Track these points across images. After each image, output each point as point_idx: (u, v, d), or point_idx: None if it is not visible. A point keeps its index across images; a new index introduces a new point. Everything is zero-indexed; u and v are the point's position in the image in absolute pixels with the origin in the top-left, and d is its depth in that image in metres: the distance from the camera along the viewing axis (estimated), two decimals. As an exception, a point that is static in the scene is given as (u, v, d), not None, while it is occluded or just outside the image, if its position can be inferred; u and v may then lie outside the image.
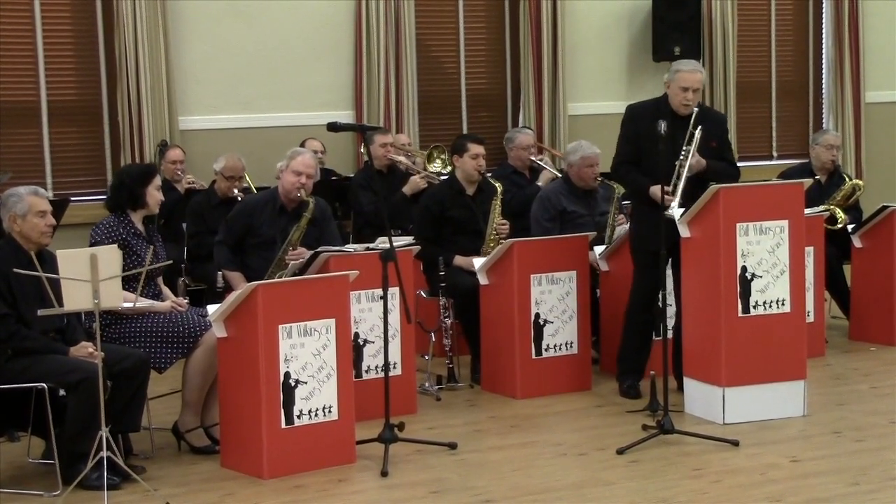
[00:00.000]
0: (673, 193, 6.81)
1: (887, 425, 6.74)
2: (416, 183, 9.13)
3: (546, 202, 8.18)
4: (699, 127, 6.89)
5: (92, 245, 6.24)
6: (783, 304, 6.80)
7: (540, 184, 9.21)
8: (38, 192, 6.09)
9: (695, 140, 6.89)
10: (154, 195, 6.54)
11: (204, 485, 5.95)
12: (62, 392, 5.80)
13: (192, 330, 6.35)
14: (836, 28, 12.45)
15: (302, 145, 8.93)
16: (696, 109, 6.97)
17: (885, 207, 8.60)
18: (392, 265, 6.14)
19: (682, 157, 6.87)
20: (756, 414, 6.75)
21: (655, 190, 6.90)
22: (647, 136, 7.06)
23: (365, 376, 6.98)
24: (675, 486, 5.79)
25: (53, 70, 9.74)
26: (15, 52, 9.63)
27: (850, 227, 8.84)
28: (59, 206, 7.47)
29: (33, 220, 5.97)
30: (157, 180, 6.61)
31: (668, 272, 6.96)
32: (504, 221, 7.99)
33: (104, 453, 5.62)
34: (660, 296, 7.35)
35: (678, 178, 6.85)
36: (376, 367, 6.99)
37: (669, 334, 7.01)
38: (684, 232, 6.84)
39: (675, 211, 6.75)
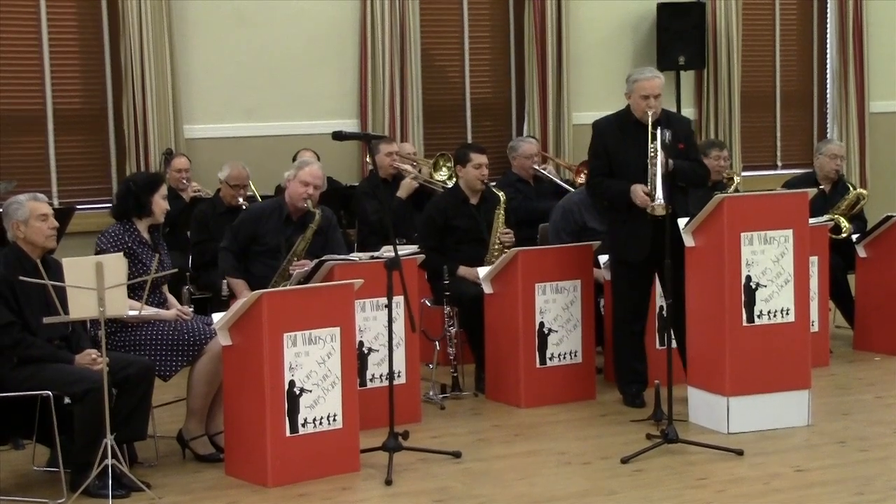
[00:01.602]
0: (652, 191, 6.80)
1: (892, 435, 6.74)
2: (409, 185, 9.14)
3: (569, 214, 8.13)
4: (659, 127, 6.89)
5: (98, 253, 6.25)
6: (787, 314, 6.80)
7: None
8: (38, 197, 6.10)
9: (658, 139, 6.86)
10: (160, 204, 6.55)
11: (208, 493, 5.96)
12: (67, 400, 5.81)
13: (197, 338, 6.35)
14: (841, 37, 12.45)
15: (295, 157, 8.94)
16: (650, 112, 6.96)
17: (889, 217, 8.59)
18: (397, 273, 6.15)
19: (651, 155, 6.86)
20: (760, 423, 6.75)
21: (636, 188, 6.91)
22: (615, 148, 7.11)
23: (369, 385, 6.99)
24: (679, 495, 5.79)
25: (59, 78, 9.75)
26: (21, 61, 9.64)
27: (854, 236, 8.84)
28: (64, 213, 7.47)
29: (36, 225, 5.98)
30: (164, 189, 6.62)
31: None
32: (508, 230, 7.99)
33: (109, 461, 5.63)
34: (648, 304, 7.43)
35: (653, 175, 6.83)
36: (381, 375, 6.99)
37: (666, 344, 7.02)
38: (688, 241, 6.85)
39: (658, 203, 6.73)
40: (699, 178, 7.30)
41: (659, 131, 6.88)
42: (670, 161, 6.83)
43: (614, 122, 7.27)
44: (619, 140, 7.10)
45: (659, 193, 6.76)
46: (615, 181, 7.12)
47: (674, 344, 6.95)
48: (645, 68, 7.41)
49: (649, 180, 6.86)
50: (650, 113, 6.94)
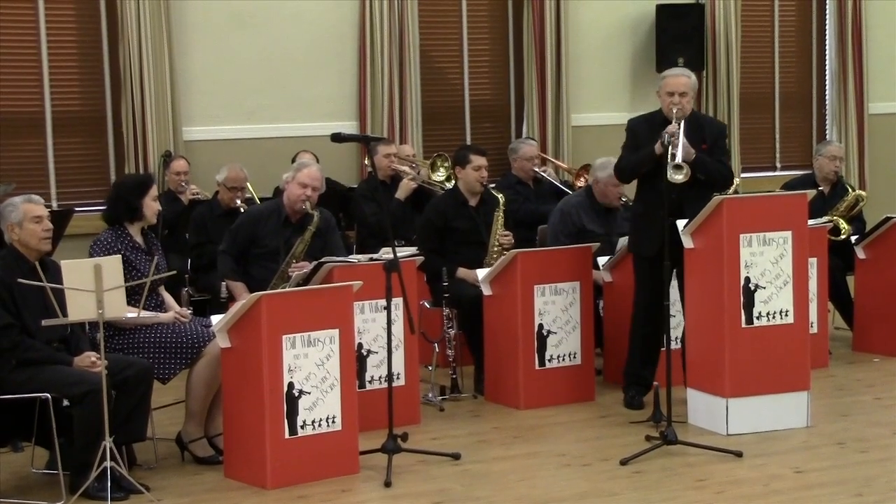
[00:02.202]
0: (672, 157, 6.75)
1: (891, 436, 6.74)
2: (407, 186, 9.14)
3: (567, 217, 8.13)
4: (682, 120, 6.89)
5: (92, 261, 6.24)
6: (786, 315, 6.80)
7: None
8: (33, 199, 6.09)
9: (681, 125, 6.84)
10: (151, 206, 6.52)
11: (207, 495, 5.95)
12: (66, 402, 5.80)
13: (196, 340, 6.35)
14: (840, 39, 12.45)
15: (294, 159, 8.94)
16: (674, 108, 6.96)
17: (888, 218, 8.60)
18: (396, 275, 6.15)
19: (674, 123, 6.85)
20: (759, 425, 6.74)
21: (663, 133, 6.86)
22: (645, 145, 7.10)
23: (368, 387, 6.98)
24: (678, 496, 5.79)
25: (58, 81, 9.75)
26: (19, 63, 9.64)
27: (853, 238, 8.84)
28: (62, 216, 7.48)
29: (29, 227, 5.97)
30: (154, 191, 6.58)
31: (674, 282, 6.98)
32: (507, 232, 7.99)
33: (108, 463, 5.62)
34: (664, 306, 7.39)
35: (673, 147, 6.79)
36: (380, 377, 6.99)
37: (675, 345, 6.99)
38: (688, 243, 6.84)
39: (676, 163, 6.70)
40: (721, 176, 7.15)
41: (682, 123, 6.86)
42: (683, 138, 6.77)
43: (645, 120, 7.29)
44: (648, 137, 7.07)
45: (679, 154, 6.70)
46: (637, 152, 7.11)
47: (675, 345, 6.96)
48: (675, 68, 7.49)
49: (669, 152, 6.78)
50: (675, 109, 6.94)
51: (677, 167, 6.69)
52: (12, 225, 5.98)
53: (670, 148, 6.73)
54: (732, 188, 9.07)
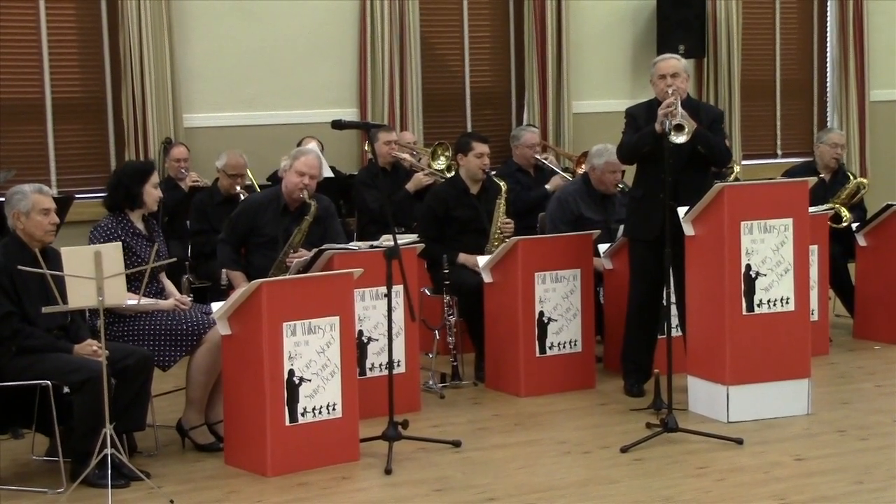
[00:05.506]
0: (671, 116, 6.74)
1: (891, 424, 6.73)
2: (419, 180, 9.13)
3: (564, 205, 8.13)
4: (677, 94, 6.88)
5: (92, 247, 6.23)
6: (787, 303, 6.79)
7: (548, 187, 9.18)
8: (43, 190, 6.07)
9: (678, 99, 6.82)
10: (152, 193, 6.51)
11: (208, 482, 5.95)
12: (66, 389, 5.80)
13: (196, 327, 6.35)
14: (841, 26, 12.44)
15: (299, 145, 8.92)
16: (670, 90, 6.93)
17: (889, 206, 8.59)
18: (396, 263, 6.14)
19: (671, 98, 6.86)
20: (760, 412, 6.75)
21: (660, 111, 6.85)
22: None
23: (369, 374, 6.98)
24: (678, 484, 5.79)
25: (58, 67, 9.74)
26: (19, 50, 9.63)
27: (854, 225, 8.84)
28: (63, 203, 7.45)
29: (36, 218, 5.96)
30: (155, 178, 6.57)
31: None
32: (508, 220, 7.99)
33: (108, 451, 5.62)
34: (663, 293, 7.39)
35: (672, 118, 6.77)
36: (380, 364, 6.99)
37: (675, 332, 6.99)
38: (688, 230, 6.84)
39: (679, 132, 6.68)
40: (720, 151, 7.15)
41: (676, 98, 6.85)
42: (682, 109, 6.76)
43: (644, 107, 7.29)
44: (647, 123, 7.08)
45: (678, 115, 6.68)
46: (637, 132, 7.11)
47: (677, 332, 6.95)
48: (665, 54, 7.51)
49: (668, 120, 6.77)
50: (670, 90, 6.92)
51: (678, 127, 6.67)
52: (19, 213, 5.97)
53: (671, 120, 6.70)
54: (733, 175, 9.10)
